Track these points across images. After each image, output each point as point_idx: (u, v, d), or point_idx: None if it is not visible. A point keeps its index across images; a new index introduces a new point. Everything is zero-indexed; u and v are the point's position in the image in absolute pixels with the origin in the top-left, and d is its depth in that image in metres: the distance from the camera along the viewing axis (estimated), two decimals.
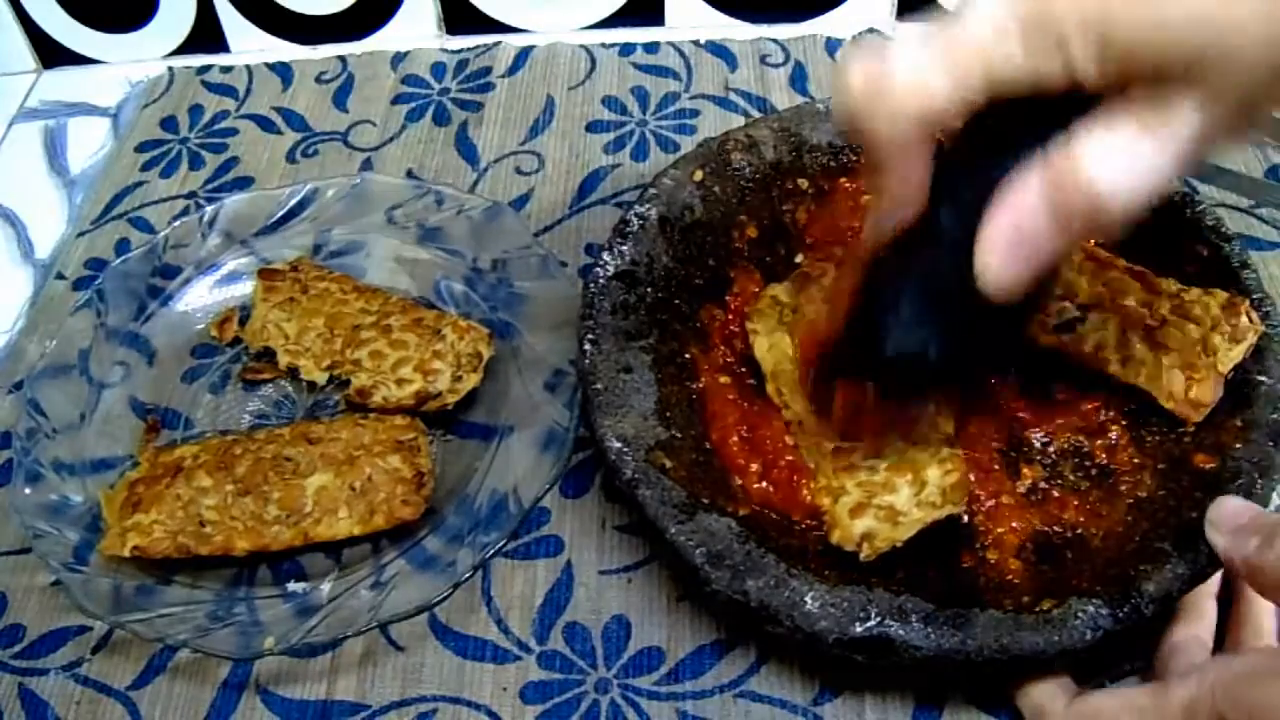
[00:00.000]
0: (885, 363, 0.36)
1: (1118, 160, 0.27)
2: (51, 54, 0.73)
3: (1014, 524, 0.42)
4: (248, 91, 0.69)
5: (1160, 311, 0.44)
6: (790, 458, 0.44)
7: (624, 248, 0.48)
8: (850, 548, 0.40)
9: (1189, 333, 0.43)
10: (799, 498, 0.43)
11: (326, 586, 0.44)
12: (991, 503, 0.43)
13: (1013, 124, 0.29)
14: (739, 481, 0.44)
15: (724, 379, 0.47)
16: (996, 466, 0.44)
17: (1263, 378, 0.42)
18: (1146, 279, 0.45)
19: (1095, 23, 0.26)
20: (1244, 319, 0.43)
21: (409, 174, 0.62)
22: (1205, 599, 0.39)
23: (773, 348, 0.47)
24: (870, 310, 0.37)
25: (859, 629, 0.36)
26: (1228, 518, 0.34)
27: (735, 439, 0.45)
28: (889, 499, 0.41)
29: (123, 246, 0.59)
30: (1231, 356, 0.43)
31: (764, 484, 0.44)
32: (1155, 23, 0.25)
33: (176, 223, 0.56)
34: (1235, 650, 0.38)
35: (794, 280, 0.50)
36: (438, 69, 0.70)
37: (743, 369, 0.48)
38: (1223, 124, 0.27)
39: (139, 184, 0.63)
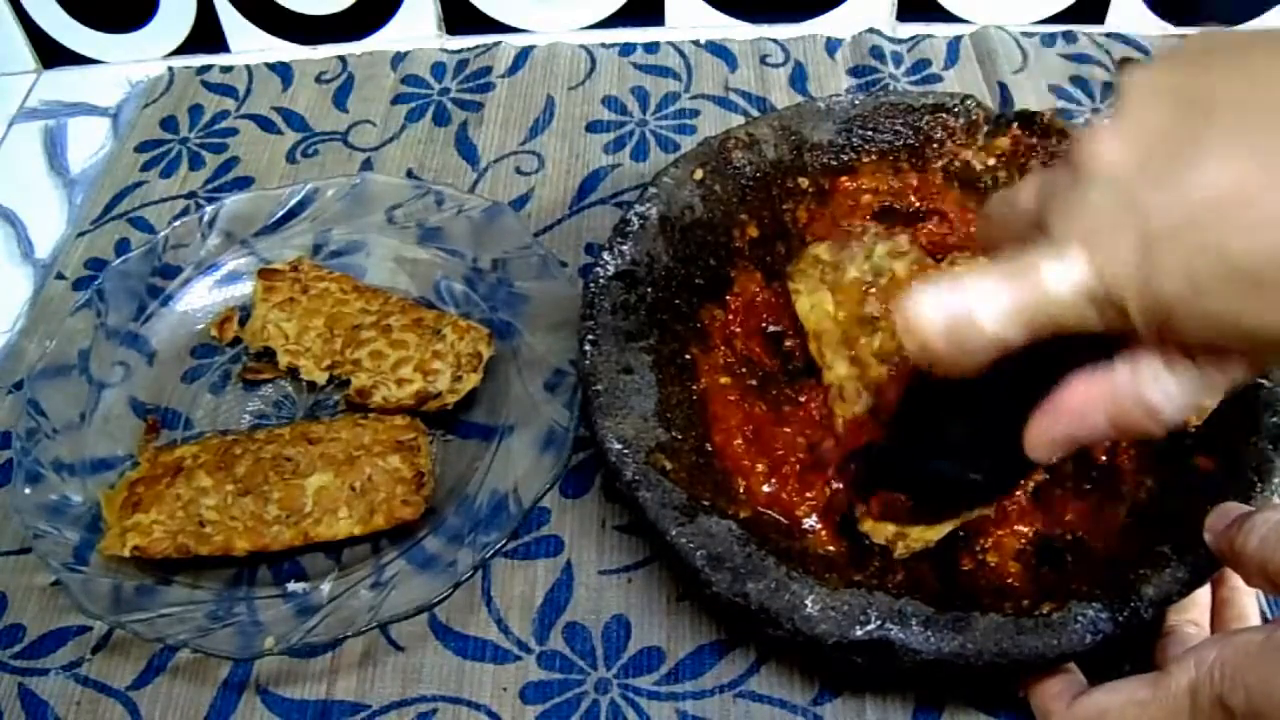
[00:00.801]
0: (923, 480, 0.40)
1: (1168, 390, 0.30)
2: (51, 54, 0.73)
3: (1014, 527, 0.42)
4: (248, 91, 0.69)
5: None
6: (800, 456, 0.44)
7: (624, 247, 0.48)
8: (879, 540, 0.40)
9: None
10: (805, 496, 0.43)
11: (326, 586, 0.44)
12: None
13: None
14: (743, 483, 0.43)
15: (725, 379, 0.47)
16: None
17: (1263, 381, 0.42)
18: None
19: (1163, 316, 0.29)
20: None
21: (409, 174, 0.62)
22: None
23: (814, 307, 0.47)
24: (918, 433, 0.39)
25: (859, 632, 0.36)
26: (1220, 517, 0.35)
27: (740, 440, 0.45)
28: None
29: (123, 246, 0.59)
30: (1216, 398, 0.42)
31: (772, 483, 0.43)
32: (1207, 325, 0.29)
33: (176, 223, 0.56)
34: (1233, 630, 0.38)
35: (836, 239, 0.49)
36: (438, 69, 0.70)
37: (743, 369, 0.48)
38: (1257, 370, 0.31)
39: (139, 184, 0.63)
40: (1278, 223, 0.27)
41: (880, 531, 0.41)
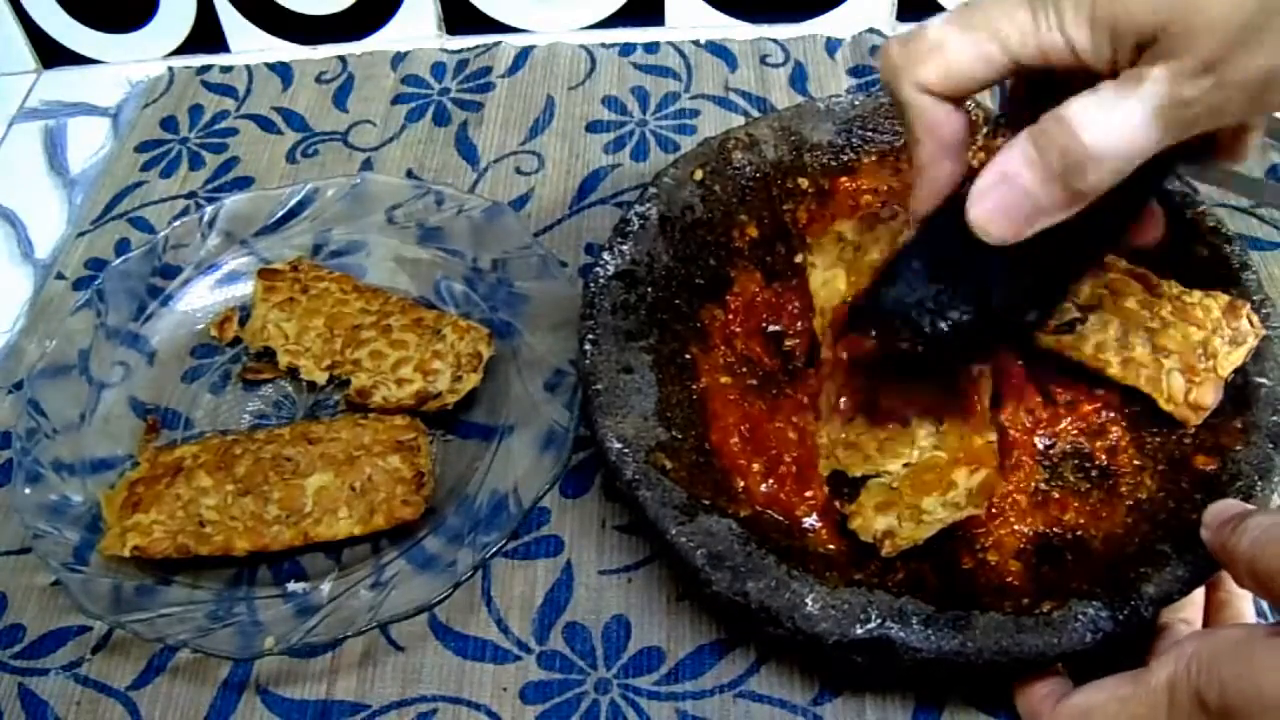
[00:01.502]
0: (883, 316, 0.38)
1: (1097, 115, 0.30)
2: (51, 54, 0.73)
3: (1014, 526, 0.42)
4: (248, 91, 0.69)
5: (1161, 314, 0.44)
6: (796, 453, 0.44)
7: (624, 247, 0.48)
8: (866, 538, 0.41)
9: (1190, 335, 0.43)
10: (804, 495, 0.43)
11: (326, 586, 0.44)
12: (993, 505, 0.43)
13: None
14: (741, 483, 0.43)
15: (725, 379, 0.47)
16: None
17: (1263, 380, 0.42)
18: (1148, 281, 0.45)
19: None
20: (1245, 322, 0.43)
21: (409, 174, 0.62)
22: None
23: (826, 284, 0.47)
24: (883, 273, 0.39)
25: (859, 631, 0.36)
26: (1217, 515, 0.35)
27: (736, 439, 0.45)
28: (917, 500, 0.41)
29: (123, 246, 0.59)
30: (1232, 360, 0.42)
31: (770, 482, 0.44)
32: None
33: (176, 223, 0.56)
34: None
35: (862, 219, 0.49)
36: (438, 69, 0.70)
37: (743, 369, 0.48)
38: (1195, 90, 0.29)
39: (139, 184, 0.63)
40: None
41: (868, 529, 0.41)
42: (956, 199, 0.34)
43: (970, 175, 0.34)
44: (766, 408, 0.46)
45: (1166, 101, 0.29)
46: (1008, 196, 0.32)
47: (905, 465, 0.43)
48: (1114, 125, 0.30)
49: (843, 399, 0.44)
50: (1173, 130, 0.30)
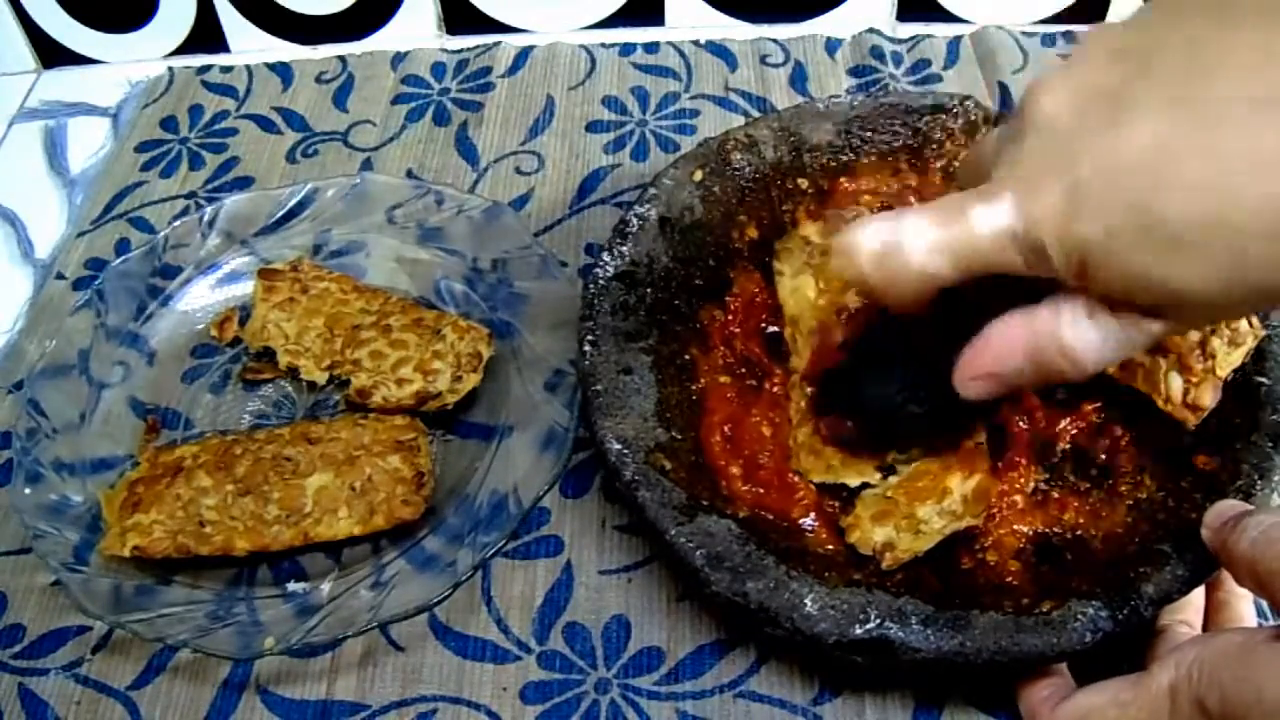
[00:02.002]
0: (864, 404, 0.42)
1: (1089, 336, 0.32)
2: (51, 54, 0.73)
3: (1014, 525, 0.42)
4: (248, 91, 0.69)
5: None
6: (771, 449, 0.44)
7: (624, 248, 0.48)
8: (865, 551, 0.41)
9: (1188, 336, 0.43)
10: (794, 497, 0.43)
11: (326, 586, 0.44)
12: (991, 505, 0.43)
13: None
14: (724, 484, 0.43)
15: (724, 379, 0.47)
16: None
17: (1263, 379, 0.42)
18: None
19: (1077, 265, 0.30)
20: (1244, 323, 0.43)
21: (409, 174, 0.62)
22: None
23: (795, 291, 0.47)
24: (867, 362, 0.43)
25: (859, 631, 0.36)
26: (1218, 515, 0.35)
27: (718, 437, 0.45)
28: (913, 509, 0.41)
29: (123, 246, 0.59)
30: (1230, 360, 0.42)
31: (749, 487, 0.43)
32: (1122, 276, 0.30)
33: (176, 223, 0.56)
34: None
35: (828, 220, 0.49)
36: (438, 69, 0.70)
37: (742, 369, 0.48)
38: (1180, 331, 0.33)
39: (139, 184, 0.63)
40: (1197, 186, 0.28)
41: (867, 542, 0.41)
42: (924, 325, 0.38)
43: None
44: (748, 404, 0.46)
45: (1162, 337, 0.32)
46: (991, 385, 0.35)
47: (864, 484, 0.43)
48: (1107, 345, 0.32)
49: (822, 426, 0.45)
50: (1142, 349, 0.33)
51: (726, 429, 0.45)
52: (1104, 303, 0.31)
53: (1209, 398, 0.42)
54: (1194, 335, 0.43)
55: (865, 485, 0.43)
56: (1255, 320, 0.43)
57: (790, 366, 0.47)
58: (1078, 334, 0.32)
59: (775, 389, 0.47)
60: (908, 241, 0.33)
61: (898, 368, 0.41)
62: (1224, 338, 0.42)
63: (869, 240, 0.34)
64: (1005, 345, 0.33)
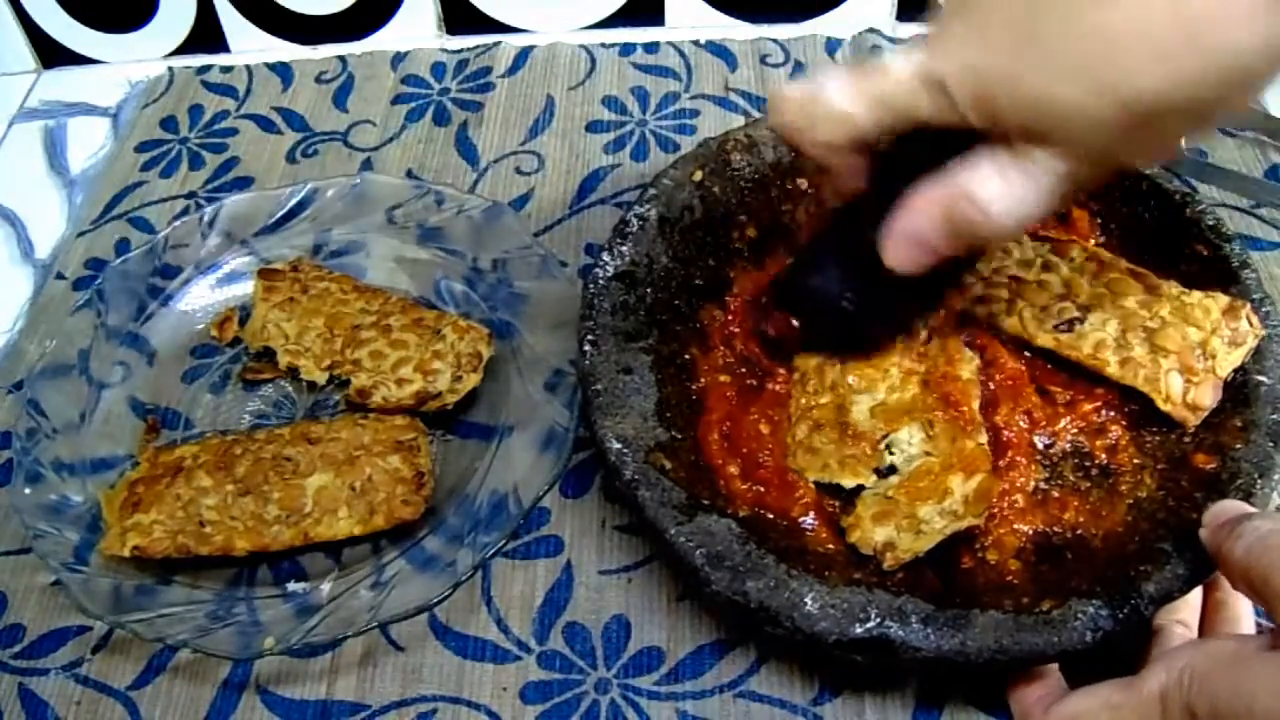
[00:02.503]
0: (802, 298, 0.45)
1: (995, 185, 0.34)
2: (51, 54, 0.73)
3: (1014, 525, 0.42)
4: (248, 91, 0.69)
5: (1160, 313, 0.44)
6: (770, 448, 0.44)
7: (624, 248, 0.48)
8: (866, 551, 0.41)
9: (1189, 336, 0.43)
10: (794, 495, 0.43)
11: (326, 586, 0.44)
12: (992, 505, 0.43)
13: (928, 141, 0.35)
14: (722, 483, 0.43)
15: (724, 378, 0.47)
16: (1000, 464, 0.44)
17: (1263, 378, 0.42)
18: (1147, 280, 0.45)
19: (973, 94, 0.33)
20: (1244, 323, 0.43)
21: (409, 174, 0.62)
22: None
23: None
24: (803, 262, 0.45)
25: (859, 630, 0.36)
26: (1217, 516, 0.35)
27: (716, 436, 0.45)
28: (914, 508, 0.41)
29: (123, 246, 0.59)
30: (1231, 360, 0.42)
31: (749, 486, 0.43)
32: (1012, 100, 0.32)
33: (176, 223, 0.56)
34: (1211, 636, 0.39)
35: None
36: (438, 69, 0.70)
37: (742, 369, 0.48)
38: (1083, 171, 0.34)
39: (139, 184, 0.63)
40: (1089, 7, 0.30)
41: (867, 542, 0.41)
42: (856, 213, 0.40)
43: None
44: (747, 403, 0.46)
45: (1059, 180, 0.33)
46: (915, 250, 0.37)
47: (860, 487, 0.43)
48: (1010, 195, 0.34)
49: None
50: (1061, 200, 0.34)
51: (725, 428, 0.45)
52: (1007, 142, 0.33)
53: (1209, 397, 0.42)
54: (1195, 335, 0.43)
55: (861, 487, 0.43)
56: (1255, 320, 0.43)
57: (795, 364, 0.47)
58: (987, 185, 0.34)
59: (777, 388, 0.47)
60: (828, 88, 0.36)
61: (833, 268, 0.42)
62: (1224, 338, 0.43)
63: (793, 90, 0.37)
64: (922, 206, 0.35)
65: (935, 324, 0.47)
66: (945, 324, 0.47)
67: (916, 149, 0.35)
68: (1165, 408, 0.43)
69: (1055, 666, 0.38)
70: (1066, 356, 0.45)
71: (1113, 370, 0.44)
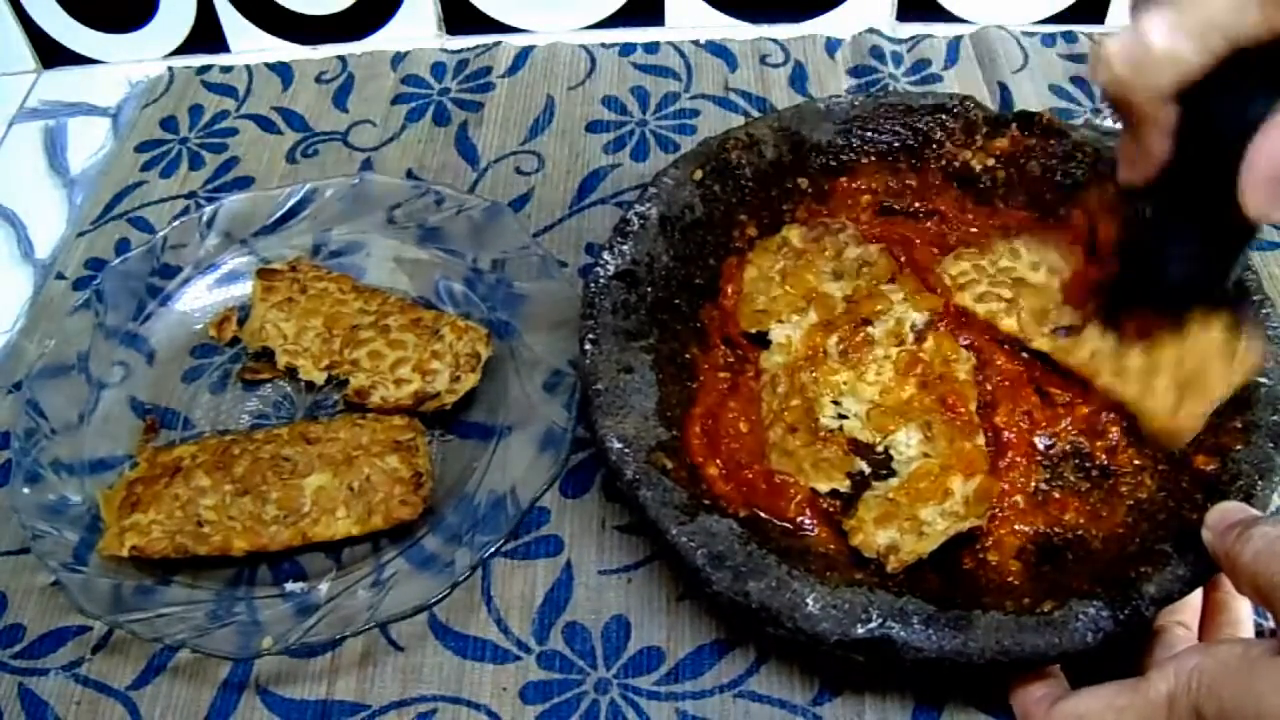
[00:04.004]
0: (1171, 288, 0.40)
1: None
2: (51, 54, 0.73)
3: (1015, 525, 0.42)
4: (248, 91, 0.69)
5: (1161, 333, 0.44)
6: (753, 448, 0.44)
7: (624, 247, 0.48)
8: (869, 554, 0.41)
9: (1186, 359, 0.43)
10: (787, 496, 0.43)
11: (325, 586, 0.44)
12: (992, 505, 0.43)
13: (1251, 74, 0.32)
14: (705, 485, 0.43)
15: (723, 376, 0.47)
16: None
17: (1262, 379, 0.42)
18: None
19: None
20: (1242, 351, 0.42)
21: (409, 174, 0.62)
22: None
23: (754, 279, 0.49)
24: (1150, 247, 0.40)
25: (860, 630, 0.36)
26: (1221, 518, 0.35)
27: (698, 429, 0.44)
28: (915, 510, 0.41)
29: (123, 246, 0.59)
30: (1223, 389, 0.41)
31: (733, 487, 0.43)
32: None
33: (176, 223, 0.56)
34: (1213, 637, 0.39)
35: (812, 227, 0.50)
36: (438, 69, 0.70)
37: (742, 369, 0.48)
38: None
39: (139, 184, 0.63)
40: None
41: (871, 545, 0.41)
42: (1186, 177, 0.36)
43: None
44: (727, 396, 0.46)
45: None
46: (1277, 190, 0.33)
47: (832, 491, 0.43)
48: None
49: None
50: None
51: (707, 422, 0.45)
52: None
53: (1197, 422, 0.41)
54: (1191, 360, 0.42)
55: (835, 492, 0.43)
56: (1255, 350, 0.42)
57: (761, 366, 0.47)
58: None
59: (753, 383, 0.47)
60: (1148, 31, 0.33)
61: (1190, 250, 0.39)
62: (1222, 364, 0.42)
63: (1113, 43, 0.34)
64: (1275, 150, 0.32)
65: (931, 322, 0.47)
66: (942, 324, 0.47)
67: (1237, 85, 0.33)
68: (1151, 426, 0.42)
69: (1057, 666, 0.38)
70: (1059, 362, 0.45)
71: (1104, 381, 0.43)
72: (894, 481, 0.43)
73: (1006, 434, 0.44)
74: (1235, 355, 0.42)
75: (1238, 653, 0.31)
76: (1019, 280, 0.48)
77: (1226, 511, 0.35)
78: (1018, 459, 0.43)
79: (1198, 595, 0.39)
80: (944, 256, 0.50)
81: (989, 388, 0.45)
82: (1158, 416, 0.42)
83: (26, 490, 0.45)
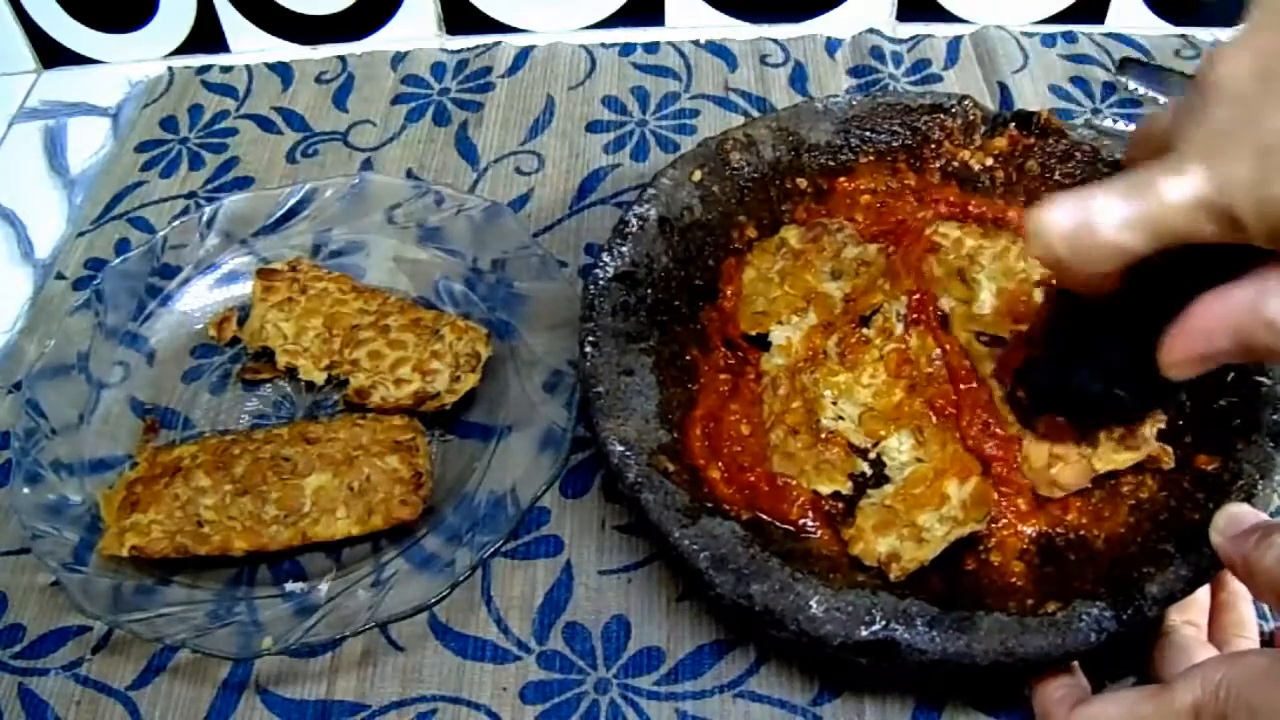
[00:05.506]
0: (1076, 400, 0.41)
1: None
2: (51, 54, 0.73)
3: (1017, 527, 0.42)
4: (248, 91, 0.69)
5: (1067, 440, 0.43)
6: (755, 450, 0.44)
7: (624, 248, 0.48)
8: (870, 563, 0.40)
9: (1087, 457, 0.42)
10: (789, 498, 0.43)
11: (325, 586, 0.44)
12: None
13: (1200, 256, 0.32)
14: (706, 488, 0.43)
15: (723, 377, 0.47)
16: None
17: (1263, 379, 0.42)
18: None
19: (1269, 225, 0.30)
20: (1146, 432, 0.42)
21: (409, 174, 0.62)
22: None
23: (753, 280, 0.49)
24: (1069, 360, 0.41)
25: (864, 633, 0.36)
26: (1231, 522, 0.35)
27: (699, 431, 0.44)
28: (913, 517, 0.41)
29: (122, 246, 0.59)
30: (1113, 460, 0.42)
31: (734, 490, 0.43)
32: None
33: (176, 223, 0.56)
34: (1219, 638, 0.39)
35: (809, 227, 0.50)
36: (438, 69, 0.70)
37: (742, 370, 0.48)
38: None
39: (139, 184, 0.63)
40: None
41: (871, 554, 0.41)
42: (1118, 313, 0.37)
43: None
44: (728, 399, 0.46)
45: None
46: (1199, 365, 0.34)
47: (834, 493, 0.43)
48: None
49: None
50: None
51: (709, 426, 0.45)
52: None
53: (1074, 480, 0.42)
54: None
55: (837, 494, 0.43)
56: (1164, 448, 0.42)
57: (761, 368, 0.47)
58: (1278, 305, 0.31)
59: (754, 385, 0.47)
60: (1098, 218, 0.32)
61: (1096, 357, 0.40)
62: (1117, 437, 0.42)
63: (1060, 219, 0.33)
64: (1208, 326, 0.33)
65: (911, 318, 0.47)
66: (925, 326, 0.47)
67: (1187, 261, 0.33)
68: (1025, 472, 0.42)
69: (1076, 664, 0.38)
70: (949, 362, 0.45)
71: (997, 400, 0.44)
72: (889, 488, 0.43)
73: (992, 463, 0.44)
74: (1135, 438, 0.42)
75: (1265, 663, 0.31)
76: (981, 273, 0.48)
77: (1236, 516, 0.35)
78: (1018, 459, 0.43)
79: (1205, 594, 0.39)
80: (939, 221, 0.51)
81: (974, 385, 0.45)
82: (1030, 464, 0.42)
83: (26, 490, 0.45)
